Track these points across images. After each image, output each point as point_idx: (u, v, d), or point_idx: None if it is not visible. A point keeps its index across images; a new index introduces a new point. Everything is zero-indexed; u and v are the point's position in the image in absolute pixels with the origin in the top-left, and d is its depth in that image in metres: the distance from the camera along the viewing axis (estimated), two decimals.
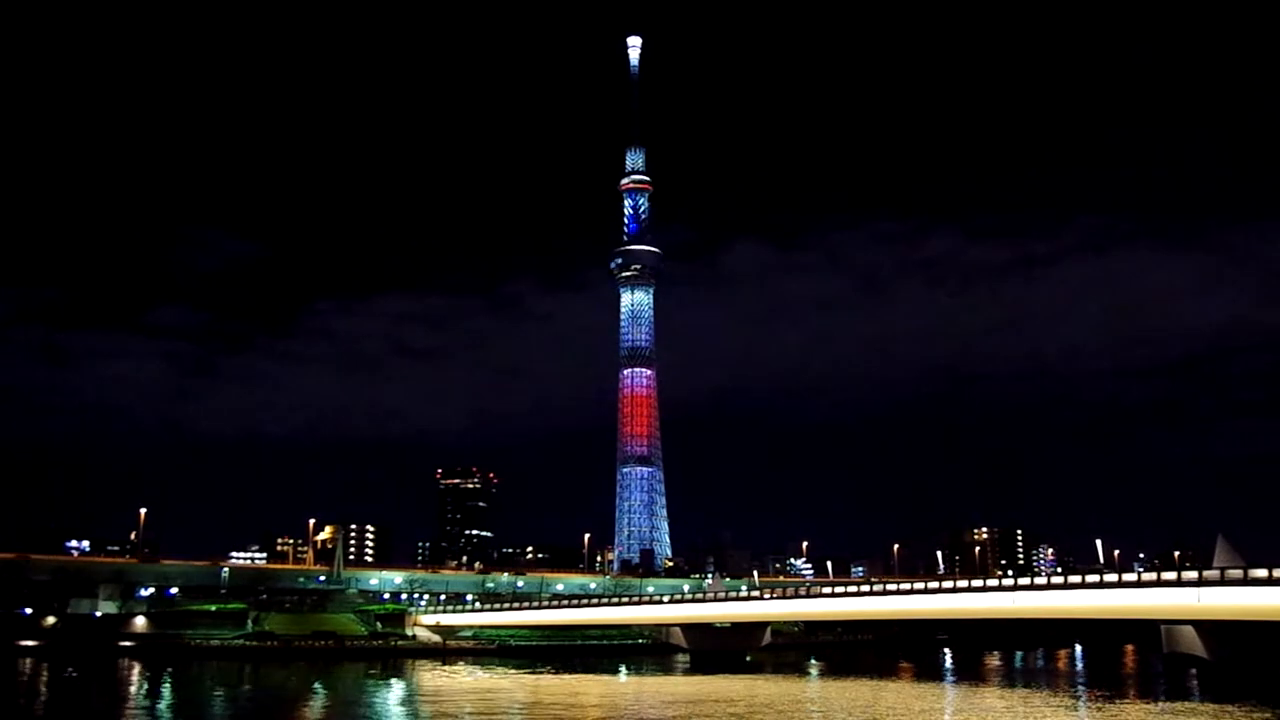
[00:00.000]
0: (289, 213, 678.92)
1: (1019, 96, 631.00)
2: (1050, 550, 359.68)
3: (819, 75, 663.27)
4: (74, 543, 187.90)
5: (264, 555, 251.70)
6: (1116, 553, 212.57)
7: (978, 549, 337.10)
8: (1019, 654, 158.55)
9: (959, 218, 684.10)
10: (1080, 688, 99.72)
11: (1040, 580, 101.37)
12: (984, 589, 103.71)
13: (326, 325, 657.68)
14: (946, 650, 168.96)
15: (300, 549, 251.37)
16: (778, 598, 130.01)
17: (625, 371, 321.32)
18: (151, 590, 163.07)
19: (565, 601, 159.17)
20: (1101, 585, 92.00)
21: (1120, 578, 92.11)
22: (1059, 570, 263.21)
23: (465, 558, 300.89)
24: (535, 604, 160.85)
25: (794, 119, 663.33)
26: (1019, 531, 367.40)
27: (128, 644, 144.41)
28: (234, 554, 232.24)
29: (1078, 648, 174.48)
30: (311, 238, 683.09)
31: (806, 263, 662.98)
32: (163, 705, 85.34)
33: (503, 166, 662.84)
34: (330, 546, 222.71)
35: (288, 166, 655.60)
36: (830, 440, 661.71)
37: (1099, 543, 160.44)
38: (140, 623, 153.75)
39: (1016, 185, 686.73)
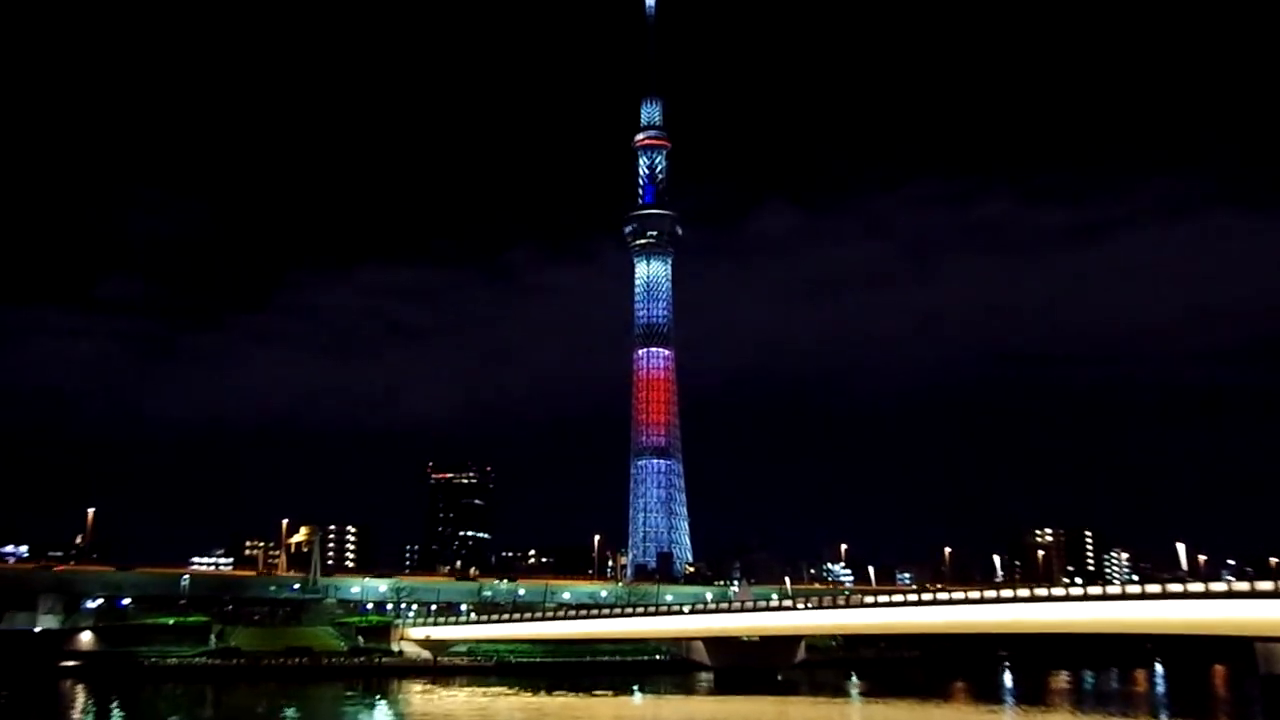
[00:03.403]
0: (257, 170, 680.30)
1: (1083, 39, 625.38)
2: (1125, 555, 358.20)
3: (857, 15, 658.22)
4: (9, 548, 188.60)
5: (230, 561, 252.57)
6: (1202, 559, 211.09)
7: (1041, 553, 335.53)
8: (1090, 674, 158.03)
9: (1015, 177, 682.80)
10: (1162, 714, 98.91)
11: (1114, 589, 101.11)
12: (1049, 599, 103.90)
13: (302, 299, 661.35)
14: (1007, 669, 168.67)
15: (272, 553, 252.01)
16: (813, 608, 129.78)
17: (640, 352, 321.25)
18: (100, 602, 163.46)
19: (572, 612, 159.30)
20: (1185, 596, 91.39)
21: (1207, 588, 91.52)
22: (1135, 578, 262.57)
23: (459, 563, 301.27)
24: (538, 615, 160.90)
25: (828, 66, 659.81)
26: (1088, 534, 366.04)
27: (71, 663, 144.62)
28: (195, 560, 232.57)
29: (1158, 667, 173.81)
30: (284, 199, 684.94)
31: (843, 229, 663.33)
32: None
33: (501, 120, 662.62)
34: (306, 550, 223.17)
35: (253, 115, 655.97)
36: (872, 430, 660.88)
37: (1181, 547, 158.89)
38: (86, 639, 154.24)
39: (1081, 140, 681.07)
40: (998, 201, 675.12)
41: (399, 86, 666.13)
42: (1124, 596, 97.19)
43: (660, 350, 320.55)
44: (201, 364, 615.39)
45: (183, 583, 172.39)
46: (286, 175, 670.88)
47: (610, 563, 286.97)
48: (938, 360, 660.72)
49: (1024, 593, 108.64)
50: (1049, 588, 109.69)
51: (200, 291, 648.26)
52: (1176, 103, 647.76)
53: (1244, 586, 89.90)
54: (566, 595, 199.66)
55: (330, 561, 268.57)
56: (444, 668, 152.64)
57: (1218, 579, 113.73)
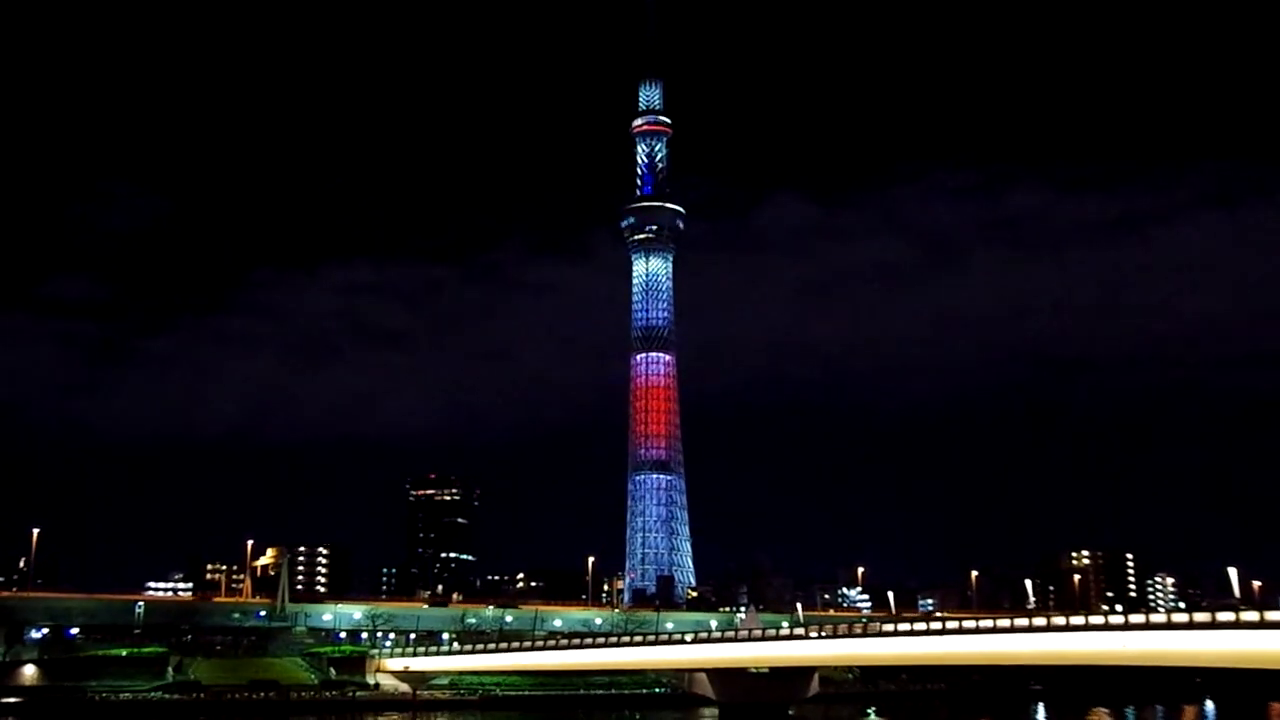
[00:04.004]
0: (217, 159, 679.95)
1: (1119, 15, 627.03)
2: (1170, 580, 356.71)
3: None
4: None
5: (189, 586, 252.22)
6: (1256, 585, 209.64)
7: (1078, 578, 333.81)
8: (1132, 711, 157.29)
9: (1044, 168, 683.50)
10: None
11: (1158, 618, 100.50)
12: (1086, 628, 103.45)
13: (267, 299, 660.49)
14: (1040, 704, 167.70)
15: (235, 577, 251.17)
16: (827, 636, 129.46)
17: (638, 357, 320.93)
18: (45, 631, 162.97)
19: (564, 641, 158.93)
20: (1238, 626, 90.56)
21: (1262, 616, 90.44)
22: (1182, 606, 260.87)
23: (440, 587, 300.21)
24: (527, 644, 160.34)
25: (842, 46, 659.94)
26: (1129, 556, 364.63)
27: (12, 700, 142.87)
28: (152, 584, 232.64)
29: (1209, 704, 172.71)
30: (247, 190, 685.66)
31: (859, 223, 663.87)
32: None
33: (485, 104, 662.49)
34: (273, 574, 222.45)
35: (213, 100, 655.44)
36: (891, 441, 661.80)
37: (1233, 572, 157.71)
38: (29, 672, 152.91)
39: (1116, 127, 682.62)
40: (1026, 193, 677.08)
41: (373, 68, 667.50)
42: (1170, 626, 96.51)
43: (660, 355, 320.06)
44: (157, 370, 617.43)
45: (137, 610, 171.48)
46: (250, 164, 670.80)
47: (606, 587, 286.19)
48: (962, 365, 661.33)
49: (1059, 621, 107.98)
50: (1086, 615, 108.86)
51: (155, 291, 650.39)
52: (1219, 86, 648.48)
53: None
54: (558, 623, 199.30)
55: (299, 586, 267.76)
56: (424, 702, 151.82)
57: (1274, 607, 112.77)
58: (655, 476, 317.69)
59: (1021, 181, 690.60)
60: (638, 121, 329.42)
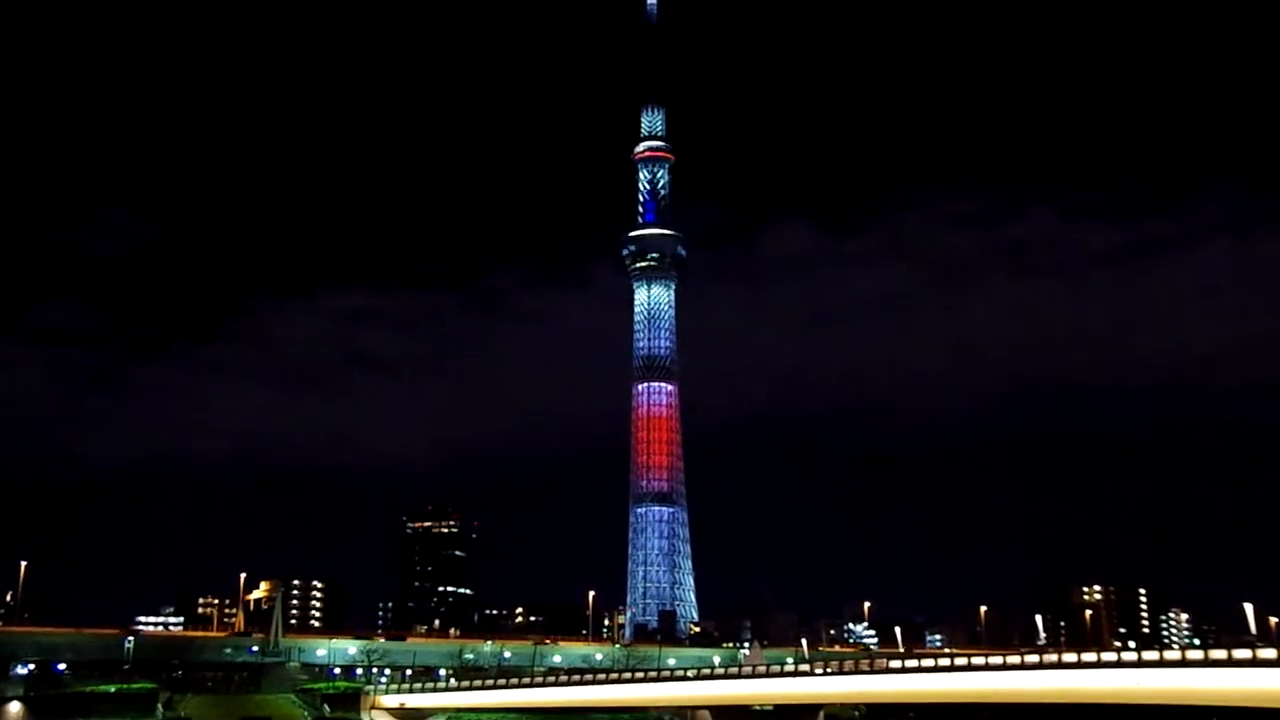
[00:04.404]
0: (211, 182, 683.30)
1: (1129, 37, 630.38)
2: (1185, 616, 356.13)
3: (877, 17, 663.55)
4: None
5: (180, 620, 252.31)
6: (1274, 621, 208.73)
7: (1089, 613, 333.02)
8: None
9: (1056, 192, 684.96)
10: None
11: (1172, 655, 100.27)
12: (1098, 665, 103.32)
13: (261, 327, 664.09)
14: None
15: (228, 611, 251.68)
16: (833, 673, 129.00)
17: (639, 387, 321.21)
18: (32, 667, 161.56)
19: (564, 677, 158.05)
20: (1254, 664, 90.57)
21: None
22: (1197, 642, 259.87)
23: (438, 622, 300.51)
24: (526, 680, 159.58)
25: (846, 72, 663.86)
26: (1142, 591, 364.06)
27: None
28: (142, 619, 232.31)
29: None
30: (242, 214, 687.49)
31: (864, 250, 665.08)
32: None
33: (484, 129, 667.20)
34: (266, 608, 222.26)
35: (207, 122, 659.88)
36: (898, 474, 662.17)
37: (1249, 607, 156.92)
38: (15, 710, 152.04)
39: (1131, 149, 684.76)
40: (1034, 219, 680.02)
41: (372, 92, 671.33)
42: (1184, 663, 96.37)
43: (662, 385, 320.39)
44: (149, 398, 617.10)
45: (126, 645, 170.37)
46: (245, 188, 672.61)
47: (607, 622, 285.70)
48: (970, 396, 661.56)
49: (1070, 657, 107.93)
50: (1098, 652, 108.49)
51: (147, 318, 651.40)
52: (1232, 111, 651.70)
53: None
54: (558, 658, 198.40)
55: (293, 620, 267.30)
56: None
57: None
58: (657, 509, 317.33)
59: (1030, 207, 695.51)
60: (639, 147, 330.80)
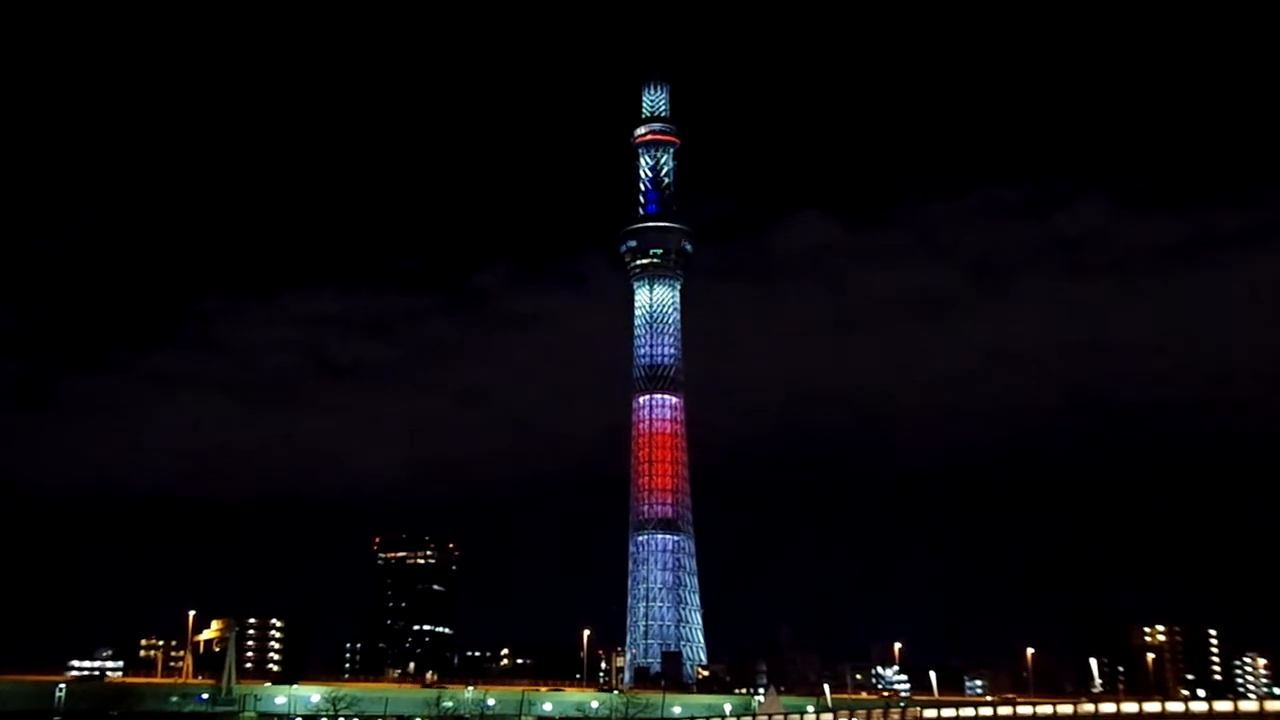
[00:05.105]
0: (158, 170, 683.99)
1: (1196, 4, 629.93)
2: (1261, 661, 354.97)
3: None
4: None
5: (120, 665, 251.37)
6: None
7: (1152, 657, 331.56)
8: None
9: (1109, 180, 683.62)
10: None
11: (1248, 706, 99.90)
12: (1162, 716, 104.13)
13: (216, 332, 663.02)
14: None
15: (174, 654, 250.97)
16: None
17: (641, 399, 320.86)
18: None
19: None
20: None
21: None
22: (1276, 691, 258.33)
23: (413, 665, 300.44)
24: None
25: (873, 44, 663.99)
26: (1213, 632, 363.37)
27: None
28: (76, 663, 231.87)
29: None
30: (192, 206, 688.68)
31: (892, 245, 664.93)
32: None
33: (469, 110, 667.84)
34: (218, 650, 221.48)
35: (153, 101, 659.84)
36: (932, 498, 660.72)
37: None
38: None
39: (1193, 134, 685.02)
40: (1088, 210, 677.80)
41: (336, 65, 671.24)
42: (1263, 716, 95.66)
43: (666, 397, 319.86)
44: (85, 414, 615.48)
45: (58, 694, 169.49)
46: (197, 175, 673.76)
47: (604, 665, 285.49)
48: (1011, 409, 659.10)
49: (1131, 708, 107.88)
50: (1163, 701, 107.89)
51: (84, 322, 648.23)
52: None
53: None
54: (548, 706, 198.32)
55: (249, 665, 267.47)
56: None
57: None
58: (660, 537, 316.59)
59: (1078, 199, 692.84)
60: (640, 130, 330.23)
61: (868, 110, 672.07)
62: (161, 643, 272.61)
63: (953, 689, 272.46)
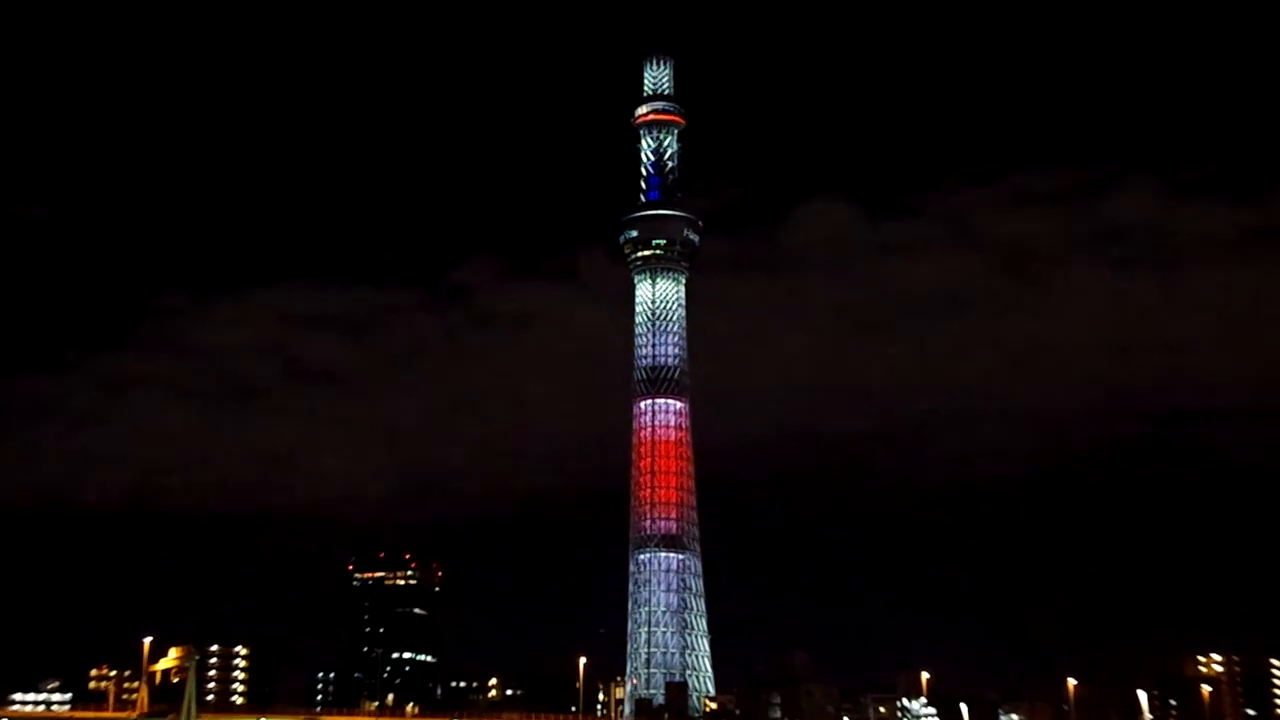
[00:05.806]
0: (113, 157, 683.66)
1: None
2: None
3: None
4: None
5: (68, 699, 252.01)
6: None
7: (1208, 689, 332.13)
8: None
9: (1156, 164, 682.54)
10: None
11: None
12: None
13: (176, 332, 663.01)
14: None
15: (128, 685, 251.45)
16: None
17: (642, 404, 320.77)
18: None
19: None
20: None
21: None
22: None
23: (392, 696, 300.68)
24: None
25: (897, 15, 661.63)
26: (1275, 662, 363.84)
27: None
28: (19, 696, 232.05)
29: None
30: (149, 194, 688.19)
31: (917, 235, 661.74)
32: None
33: (452, 88, 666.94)
34: (176, 680, 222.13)
35: (109, 85, 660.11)
36: (961, 511, 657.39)
37: None
38: None
39: (1251, 114, 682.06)
40: (1133, 198, 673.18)
41: (305, 44, 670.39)
42: None
43: (670, 402, 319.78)
44: (32, 421, 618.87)
45: None
46: (154, 162, 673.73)
47: (601, 696, 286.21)
48: (1051, 414, 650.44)
49: None
50: None
51: (28, 322, 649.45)
52: None
53: None
54: None
55: (210, 696, 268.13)
56: None
57: None
58: (664, 555, 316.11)
59: (1124, 185, 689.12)
60: (642, 110, 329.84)
61: (890, 87, 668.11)
62: (114, 673, 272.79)
63: None
